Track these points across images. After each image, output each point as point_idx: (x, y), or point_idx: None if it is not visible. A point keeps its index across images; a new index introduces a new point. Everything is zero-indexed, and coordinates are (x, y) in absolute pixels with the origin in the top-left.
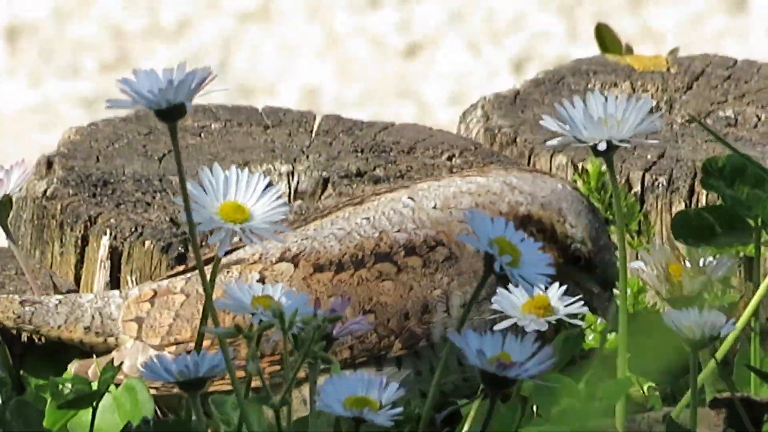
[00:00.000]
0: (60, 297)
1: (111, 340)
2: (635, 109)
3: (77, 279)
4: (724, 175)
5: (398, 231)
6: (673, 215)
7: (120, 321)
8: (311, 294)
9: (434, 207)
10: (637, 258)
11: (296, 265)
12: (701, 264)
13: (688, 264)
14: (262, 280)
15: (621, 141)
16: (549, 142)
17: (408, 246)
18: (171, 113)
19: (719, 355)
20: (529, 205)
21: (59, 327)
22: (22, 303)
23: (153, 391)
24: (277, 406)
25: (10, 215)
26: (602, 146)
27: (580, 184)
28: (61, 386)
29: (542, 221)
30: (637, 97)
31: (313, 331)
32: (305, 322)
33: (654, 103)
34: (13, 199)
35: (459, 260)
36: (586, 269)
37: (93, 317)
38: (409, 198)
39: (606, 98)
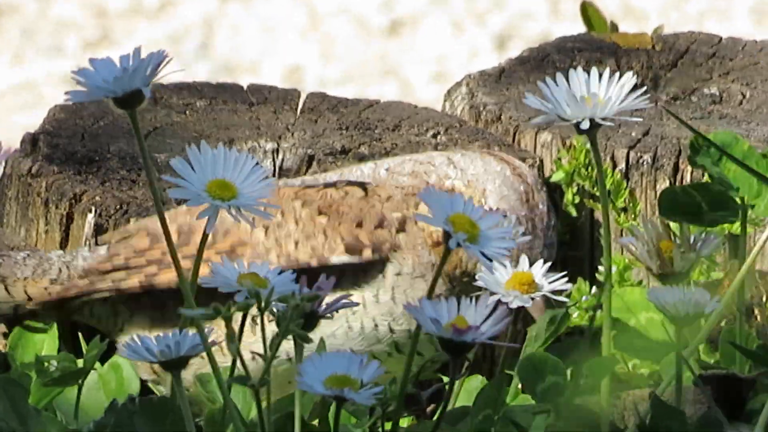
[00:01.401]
0: (28, 251)
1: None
2: (618, 87)
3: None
4: (711, 152)
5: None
6: (657, 193)
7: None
8: (278, 195)
9: (386, 169)
10: (621, 235)
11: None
12: (692, 240)
13: (678, 240)
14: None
15: (604, 119)
16: (533, 121)
17: (378, 181)
18: (129, 100)
19: (704, 332)
20: (456, 179)
21: (25, 278)
22: None
23: None
24: (257, 386)
25: None
26: (585, 124)
27: (566, 161)
28: (46, 364)
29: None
30: (620, 74)
31: (291, 309)
32: (283, 300)
33: (637, 80)
34: None
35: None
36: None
37: (60, 270)
38: (372, 163)
39: (589, 76)
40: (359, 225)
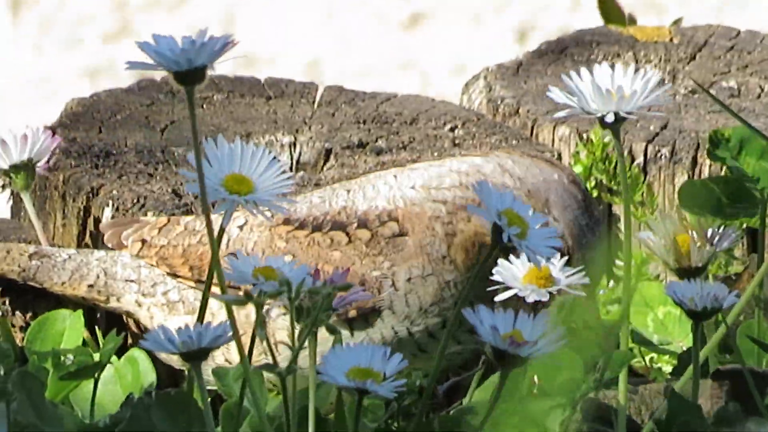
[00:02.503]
0: (72, 252)
1: (113, 300)
2: (643, 81)
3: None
4: (731, 146)
5: (361, 204)
6: (676, 186)
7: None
8: (270, 245)
9: (412, 187)
10: (639, 229)
11: (273, 215)
12: (709, 234)
13: (695, 234)
14: (243, 225)
15: (628, 113)
16: (557, 114)
17: (362, 219)
18: (189, 76)
19: (723, 327)
20: (517, 189)
21: (63, 283)
22: (31, 256)
23: None
24: (284, 375)
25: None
26: (610, 118)
27: (584, 155)
28: (63, 358)
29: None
30: (645, 69)
31: (322, 299)
32: (313, 291)
33: (660, 76)
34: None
35: (408, 236)
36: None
37: (98, 276)
38: (393, 176)
39: (613, 70)
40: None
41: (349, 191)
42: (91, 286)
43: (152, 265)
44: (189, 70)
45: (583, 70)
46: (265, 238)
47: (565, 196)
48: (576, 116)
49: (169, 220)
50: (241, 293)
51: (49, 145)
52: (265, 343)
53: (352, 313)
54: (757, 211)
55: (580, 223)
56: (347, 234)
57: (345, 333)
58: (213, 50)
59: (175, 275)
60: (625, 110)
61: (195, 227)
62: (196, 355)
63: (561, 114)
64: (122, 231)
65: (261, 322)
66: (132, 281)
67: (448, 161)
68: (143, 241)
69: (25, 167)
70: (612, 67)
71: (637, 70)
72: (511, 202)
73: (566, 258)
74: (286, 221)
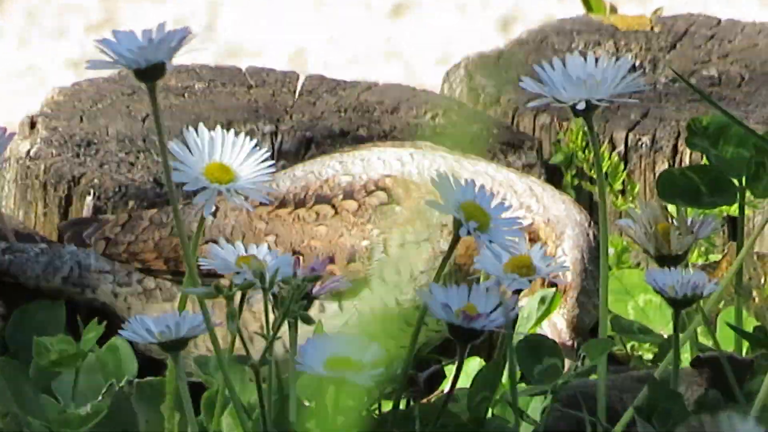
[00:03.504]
0: (43, 246)
1: (88, 291)
2: (614, 68)
3: (60, 239)
4: (709, 134)
5: (345, 174)
6: (656, 175)
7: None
8: (250, 228)
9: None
10: (620, 217)
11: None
12: (689, 222)
13: (675, 222)
14: (216, 211)
15: (600, 100)
16: (530, 104)
17: (348, 190)
18: (150, 72)
19: (702, 315)
20: (537, 215)
21: (37, 277)
22: (3, 251)
23: None
24: (258, 366)
25: None
26: (581, 106)
27: (564, 143)
28: (44, 346)
29: (539, 235)
30: (617, 56)
31: (293, 290)
32: (285, 282)
33: (634, 62)
34: None
35: (402, 201)
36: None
37: (72, 268)
38: (409, 155)
39: (585, 59)
40: (332, 260)
41: (341, 162)
42: (65, 278)
43: (122, 262)
44: (148, 67)
45: (555, 59)
46: (243, 222)
47: (581, 238)
48: (549, 105)
49: (130, 216)
50: (225, 281)
51: (4, 142)
52: (253, 333)
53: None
54: (735, 199)
55: (586, 267)
56: (333, 206)
57: (334, 308)
58: (170, 46)
59: (148, 270)
60: (597, 98)
61: (162, 220)
62: (175, 345)
63: (534, 104)
64: (82, 231)
65: (232, 315)
66: (107, 272)
67: (484, 163)
68: (107, 240)
69: None
70: (585, 55)
71: (611, 57)
72: (473, 194)
73: (563, 290)
74: (262, 203)
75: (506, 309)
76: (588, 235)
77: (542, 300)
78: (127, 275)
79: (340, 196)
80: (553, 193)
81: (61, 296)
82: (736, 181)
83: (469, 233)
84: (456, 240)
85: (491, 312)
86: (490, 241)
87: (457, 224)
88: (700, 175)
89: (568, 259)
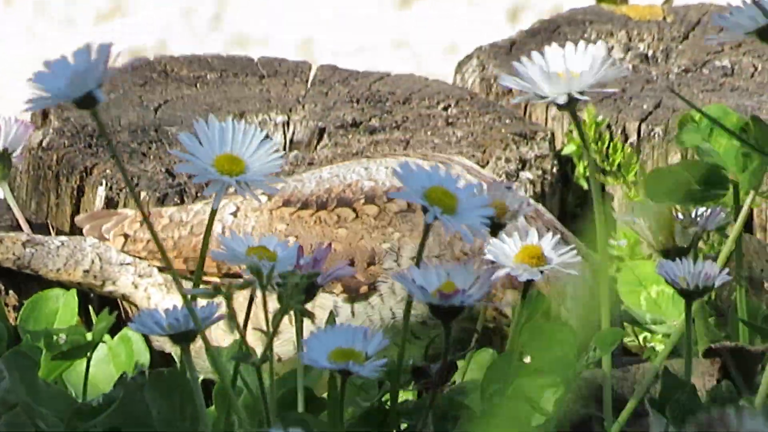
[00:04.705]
0: (64, 239)
1: (109, 284)
2: (590, 59)
3: (72, 230)
4: (702, 127)
5: (369, 180)
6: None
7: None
8: (270, 228)
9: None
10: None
11: (270, 198)
12: (693, 215)
13: (680, 216)
14: (236, 212)
15: (582, 93)
16: (513, 101)
17: (369, 194)
18: (88, 101)
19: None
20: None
21: (58, 270)
22: (24, 244)
23: None
24: (258, 364)
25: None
26: (562, 100)
27: (575, 134)
28: (55, 337)
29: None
30: (589, 45)
31: (292, 287)
32: (284, 277)
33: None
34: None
35: (416, 212)
36: None
37: (93, 261)
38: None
39: (564, 51)
40: (352, 263)
41: (366, 168)
42: (86, 271)
43: (141, 259)
44: (84, 96)
45: (534, 54)
46: (263, 222)
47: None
48: (531, 101)
49: (150, 213)
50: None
51: (23, 134)
52: (256, 329)
53: (363, 289)
54: (728, 192)
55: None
56: (354, 210)
57: (346, 313)
58: (98, 72)
59: (168, 269)
60: (577, 90)
61: (181, 218)
62: (184, 337)
63: (516, 101)
64: (101, 225)
65: (231, 315)
66: (128, 264)
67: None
68: (126, 236)
69: (0, 157)
70: (564, 46)
71: (585, 48)
72: (440, 179)
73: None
74: (286, 203)
75: (484, 281)
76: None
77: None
78: (149, 266)
79: (362, 200)
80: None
81: (81, 289)
82: (729, 174)
83: (436, 218)
84: (427, 227)
85: (470, 287)
86: (459, 224)
87: (425, 211)
88: (691, 171)
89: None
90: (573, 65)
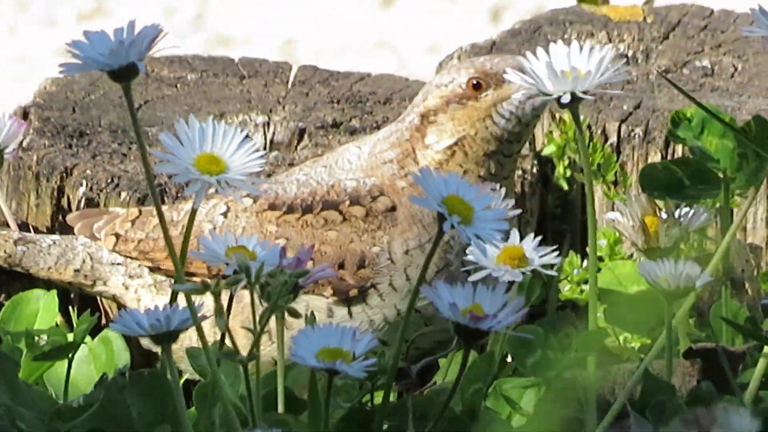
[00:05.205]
0: (55, 237)
1: (100, 284)
2: (598, 59)
3: (53, 230)
4: (693, 125)
5: (350, 180)
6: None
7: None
8: (261, 230)
9: None
10: (613, 209)
11: (255, 201)
12: (677, 215)
13: (663, 215)
14: (227, 212)
15: (585, 92)
16: (514, 96)
17: (353, 195)
18: (123, 74)
19: (688, 304)
20: None
21: (49, 268)
22: (15, 242)
23: None
24: (245, 362)
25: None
26: (566, 98)
27: (557, 134)
28: (36, 338)
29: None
30: (600, 47)
31: (280, 286)
32: (272, 276)
33: (617, 52)
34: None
35: (397, 209)
36: None
37: (84, 261)
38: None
39: (569, 50)
40: (342, 266)
41: (326, 167)
42: (77, 270)
43: (132, 259)
44: (121, 68)
45: (540, 51)
46: (254, 223)
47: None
48: (535, 97)
49: (140, 212)
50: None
51: (16, 131)
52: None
53: (353, 292)
54: (719, 190)
55: None
56: (340, 212)
57: (343, 315)
58: (142, 46)
59: (158, 269)
60: (581, 89)
61: (172, 218)
62: (166, 338)
63: (518, 95)
64: (92, 223)
65: (219, 312)
66: (119, 264)
67: None
68: (117, 235)
69: None
70: (568, 46)
71: (592, 48)
72: (456, 187)
73: None
74: (272, 206)
75: (513, 309)
76: None
77: (532, 285)
78: (139, 266)
79: (347, 202)
80: None
81: (71, 288)
82: (720, 173)
83: (452, 227)
84: (440, 235)
85: (498, 312)
86: (475, 235)
87: (441, 219)
88: (684, 168)
89: None
90: (580, 64)
